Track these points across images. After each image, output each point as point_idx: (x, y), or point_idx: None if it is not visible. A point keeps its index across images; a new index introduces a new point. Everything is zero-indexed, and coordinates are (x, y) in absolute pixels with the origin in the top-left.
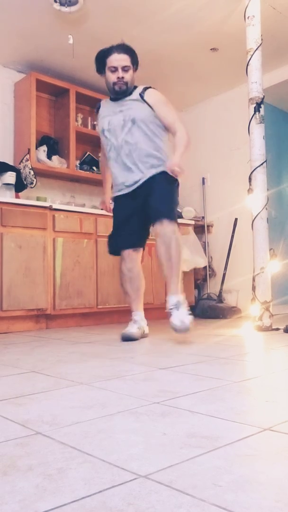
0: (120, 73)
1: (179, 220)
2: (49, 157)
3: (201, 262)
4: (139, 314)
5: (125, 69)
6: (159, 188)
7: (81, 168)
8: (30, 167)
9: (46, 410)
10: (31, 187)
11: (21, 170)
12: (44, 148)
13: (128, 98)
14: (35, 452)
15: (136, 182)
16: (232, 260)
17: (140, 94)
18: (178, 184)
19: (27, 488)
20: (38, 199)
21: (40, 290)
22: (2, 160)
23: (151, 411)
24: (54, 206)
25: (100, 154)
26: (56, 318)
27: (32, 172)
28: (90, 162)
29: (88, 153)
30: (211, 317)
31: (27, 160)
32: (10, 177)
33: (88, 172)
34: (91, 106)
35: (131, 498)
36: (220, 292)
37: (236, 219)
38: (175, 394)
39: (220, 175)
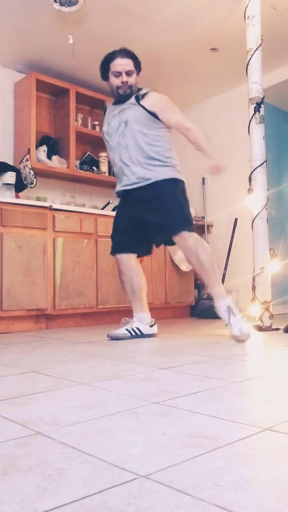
0: (124, 78)
1: None
2: (49, 157)
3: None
4: (136, 316)
5: (128, 73)
6: (165, 200)
7: (81, 168)
8: (30, 167)
9: (46, 410)
10: (31, 187)
11: (21, 170)
12: (44, 148)
13: (127, 101)
14: (35, 452)
15: (127, 185)
16: (232, 260)
17: (136, 99)
18: (183, 184)
19: (27, 488)
20: (38, 199)
21: (40, 290)
22: (2, 160)
23: (151, 411)
24: (54, 206)
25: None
26: (56, 318)
27: (32, 172)
28: (90, 162)
29: (88, 153)
30: (211, 317)
31: (27, 160)
32: (10, 177)
33: (88, 172)
34: (91, 106)
35: (131, 498)
36: None
37: (236, 219)
38: (175, 394)
39: (220, 175)
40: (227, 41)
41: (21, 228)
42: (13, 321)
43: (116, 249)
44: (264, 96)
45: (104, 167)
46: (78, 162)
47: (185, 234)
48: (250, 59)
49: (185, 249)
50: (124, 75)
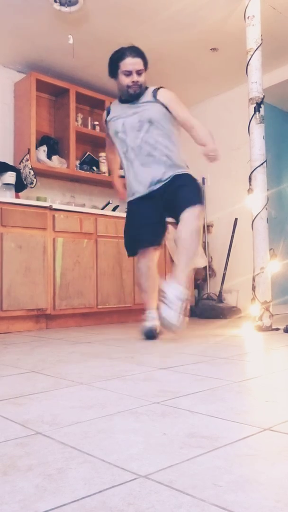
0: (135, 77)
1: None
2: (49, 157)
3: (201, 262)
4: (154, 312)
5: (139, 72)
6: (185, 184)
7: (81, 168)
8: (30, 167)
9: (46, 410)
10: (31, 187)
11: (21, 170)
12: (44, 148)
13: (141, 99)
14: (35, 452)
15: (159, 181)
16: (232, 260)
17: (153, 95)
18: (198, 184)
19: (27, 488)
20: (38, 199)
21: (40, 290)
22: (2, 160)
23: (151, 411)
24: (54, 206)
25: (106, 152)
26: (56, 318)
27: (32, 172)
28: (90, 162)
29: (88, 153)
30: (211, 317)
31: (27, 160)
32: (10, 177)
33: (88, 172)
34: (91, 106)
35: (131, 498)
36: (220, 292)
37: (236, 219)
38: (175, 394)
39: (220, 175)
40: (227, 41)
41: (21, 228)
42: (13, 321)
43: (143, 243)
44: (264, 96)
45: (104, 167)
46: (78, 162)
47: (198, 206)
48: (250, 59)
49: (189, 221)
50: (134, 74)
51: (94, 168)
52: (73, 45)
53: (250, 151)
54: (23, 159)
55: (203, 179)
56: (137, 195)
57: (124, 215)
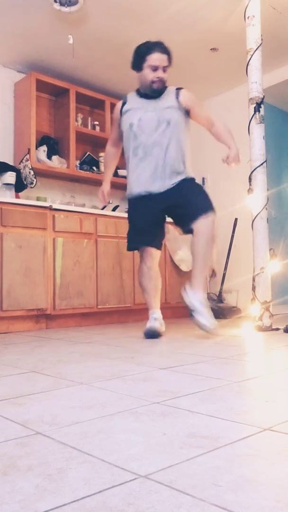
0: (160, 73)
1: None
2: (49, 157)
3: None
4: (157, 312)
5: (165, 69)
6: (191, 189)
7: (81, 168)
8: (30, 167)
9: (46, 410)
10: (31, 187)
11: (21, 170)
12: (44, 148)
13: (162, 97)
14: (35, 452)
15: (163, 184)
16: (232, 260)
17: (176, 96)
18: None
19: (27, 488)
20: (38, 199)
21: (40, 290)
22: (2, 160)
23: (151, 411)
24: (54, 206)
25: (108, 145)
26: (56, 318)
27: (32, 172)
28: (90, 162)
29: (88, 153)
30: None
31: (27, 160)
32: (10, 177)
33: (88, 172)
34: (91, 106)
35: (131, 498)
36: (220, 292)
37: (236, 219)
38: (175, 394)
39: (220, 175)
40: (227, 41)
41: (21, 228)
42: (13, 321)
43: (145, 242)
44: (264, 96)
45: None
46: (78, 162)
47: (211, 214)
48: (250, 59)
49: (204, 229)
50: (160, 70)
51: (94, 168)
52: (73, 45)
53: (250, 151)
54: (23, 159)
55: (203, 179)
56: (140, 194)
57: (124, 215)
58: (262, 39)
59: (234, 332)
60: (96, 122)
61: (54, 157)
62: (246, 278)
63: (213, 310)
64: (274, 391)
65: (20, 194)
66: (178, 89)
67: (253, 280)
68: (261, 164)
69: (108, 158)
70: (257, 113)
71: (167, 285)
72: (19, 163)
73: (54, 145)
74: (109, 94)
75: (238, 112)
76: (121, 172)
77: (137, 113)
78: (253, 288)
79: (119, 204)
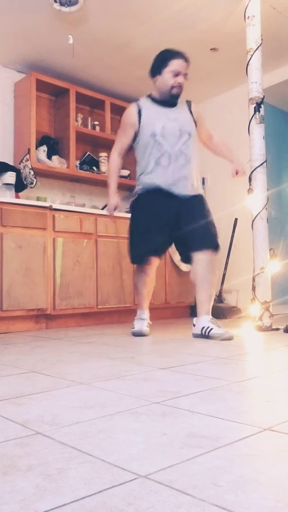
0: (181, 79)
1: None
2: (49, 157)
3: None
4: (146, 313)
5: (185, 76)
6: (203, 210)
7: (81, 168)
8: (30, 167)
9: (46, 410)
10: (31, 187)
11: (21, 170)
12: (44, 148)
13: (178, 107)
14: (35, 452)
15: (183, 192)
16: (232, 260)
17: (188, 107)
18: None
19: (27, 488)
20: (38, 199)
21: (40, 290)
22: (2, 160)
23: (151, 411)
24: (54, 206)
25: (114, 155)
26: (56, 318)
27: (32, 172)
28: (90, 162)
29: (88, 153)
30: None
31: (27, 160)
32: (10, 177)
33: (88, 172)
34: (91, 106)
35: (131, 498)
36: (220, 292)
37: (236, 219)
38: (175, 394)
39: (220, 175)
40: (227, 41)
41: (21, 228)
42: (13, 321)
43: (152, 251)
44: (264, 96)
45: (104, 167)
46: (78, 162)
47: (216, 252)
48: (250, 59)
49: (208, 262)
50: (181, 76)
51: (94, 168)
52: (73, 45)
53: (250, 151)
54: (23, 159)
55: (203, 179)
56: (160, 186)
57: (124, 215)
58: (262, 39)
59: (234, 332)
60: (96, 122)
61: (54, 157)
62: (246, 278)
63: (213, 310)
64: (274, 391)
65: (20, 194)
66: (188, 101)
67: (253, 280)
68: (261, 164)
69: (115, 170)
70: (257, 113)
71: (167, 285)
72: (19, 163)
73: (54, 145)
74: (109, 94)
75: (238, 112)
76: (121, 172)
77: (159, 121)
78: (253, 288)
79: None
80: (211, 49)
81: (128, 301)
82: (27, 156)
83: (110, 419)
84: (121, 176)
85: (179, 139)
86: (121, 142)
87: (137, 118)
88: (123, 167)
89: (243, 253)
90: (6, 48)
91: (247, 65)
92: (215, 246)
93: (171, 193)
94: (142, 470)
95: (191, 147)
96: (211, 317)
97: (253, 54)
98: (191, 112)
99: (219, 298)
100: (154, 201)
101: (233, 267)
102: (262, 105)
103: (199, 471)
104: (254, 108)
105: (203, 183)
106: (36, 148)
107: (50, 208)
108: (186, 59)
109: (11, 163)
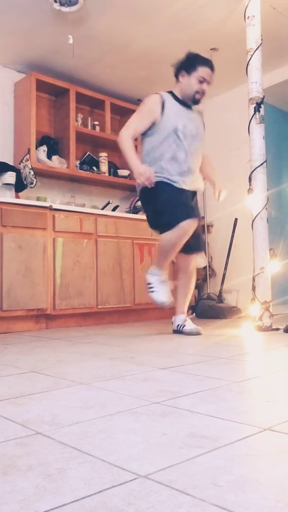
0: (206, 86)
1: None
2: (49, 157)
3: (201, 262)
4: (165, 274)
5: (208, 84)
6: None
7: (81, 168)
8: (30, 167)
9: (46, 410)
10: (31, 187)
11: (21, 170)
12: (44, 148)
13: (194, 110)
14: (35, 452)
15: (192, 187)
16: (232, 260)
17: (201, 116)
18: None
19: (27, 488)
20: (38, 199)
21: (40, 290)
22: (2, 160)
23: (151, 411)
24: (54, 206)
25: (129, 136)
26: (56, 318)
27: (32, 172)
28: (90, 162)
29: (88, 153)
30: (211, 317)
31: (27, 160)
32: (10, 177)
33: (88, 172)
34: (91, 106)
35: (131, 498)
36: (220, 292)
37: (236, 219)
38: (175, 394)
39: (220, 175)
40: (227, 41)
41: (21, 228)
42: (13, 321)
43: (194, 214)
44: (264, 96)
45: (104, 167)
46: (78, 162)
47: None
48: (250, 59)
49: (194, 268)
50: (206, 84)
51: (94, 168)
52: (73, 45)
53: (250, 151)
54: (23, 159)
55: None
56: (179, 185)
57: (124, 215)
58: (262, 39)
59: (234, 332)
60: (96, 122)
61: (54, 157)
62: (246, 278)
63: (213, 310)
64: (274, 391)
65: (20, 194)
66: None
67: (253, 280)
68: (261, 164)
69: (132, 147)
70: (257, 113)
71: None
72: (19, 163)
73: (54, 145)
74: (109, 94)
75: (238, 112)
76: (121, 172)
77: (181, 119)
78: (253, 288)
79: (119, 204)
80: (211, 49)
81: (128, 301)
82: (27, 156)
83: (110, 419)
84: (121, 176)
85: (195, 140)
86: (136, 126)
87: (160, 109)
88: (123, 167)
89: (243, 253)
90: (6, 48)
91: (247, 65)
92: (202, 250)
93: (185, 190)
94: (142, 470)
95: (200, 150)
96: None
97: (253, 54)
98: (202, 119)
99: (219, 298)
100: (177, 189)
101: (233, 267)
102: (262, 105)
103: (199, 471)
104: (254, 108)
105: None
106: (36, 148)
107: (50, 208)
108: (213, 69)
109: (11, 163)
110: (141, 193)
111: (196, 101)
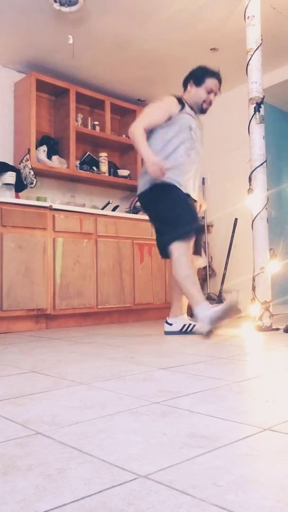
0: (213, 97)
1: None
2: (49, 157)
3: (201, 262)
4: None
5: (216, 95)
6: None
7: (81, 168)
8: (30, 167)
9: (46, 410)
10: (31, 187)
11: (21, 170)
12: (44, 148)
13: (199, 119)
14: (35, 452)
15: (192, 194)
16: (232, 260)
17: (201, 124)
18: None
19: (27, 488)
20: (38, 199)
21: (40, 290)
22: (2, 160)
23: (151, 411)
24: (54, 206)
25: (142, 129)
26: (56, 318)
27: (32, 172)
28: (90, 162)
29: (88, 153)
30: None
31: (27, 160)
32: (10, 177)
33: (88, 172)
34: (91, 106)
35: (131, 498)
36: (220, 292)
37: (236, 219)
38: (175, 394)
39: (220, 175)
40: (227, 41)
41: (21, 228)
42: (13, 321)
43: (198, 229)
44: (264, 96)
45: (104, 167)
46: (78, 162)
47: None
48: (250, 59)
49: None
50: (213, 94)
51: (94, 168)
52: (73, 45)
53: (250, 151)
54: (23, 159)
55: (203, 179)
56: (185, 189)
57: (124, 215)
58: (262, 39)
59: (234, 332)
60: (96, 122)
61: (54, 157)
62: (246, 278)
63: None
64: (274, 391)
65: (20, 194)
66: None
67: (253, 280)
68: (261, 164)
69: (145, 139)
70: (257, 113)
71: (167, 285)
72: (19, 163)
73: (54, 145)
74: (109, 94)
75: (238, 112)
76: (121, 172)
77: (193, 122)
78: (253, 288)
79: (119, 204)
80: (211, 49)
81: (128, 301)
82: (27, 156)
83: (110, 419)
84: (121, 176)
85: (199, 143)
86: (151, 119)
87: (180, 106)
88: (123, 167)
89: (243, 253)
90: (6, 48)
91: (247, 65)
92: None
93: (190, 197)
94: (142, 470)
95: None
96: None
97: (253, 54)
98: (202, 132)
99: (219, 298)
100: (187, 197)
101: (233, 267)
102: (262, 105)
103: (199, 471)
104: (254, 108)
105: (203, 183)
106: (36, 148)
107: (50, 208)
108: (220, 80)
109: (11, 163)
110: (150, 190)
111: (203, 111)
